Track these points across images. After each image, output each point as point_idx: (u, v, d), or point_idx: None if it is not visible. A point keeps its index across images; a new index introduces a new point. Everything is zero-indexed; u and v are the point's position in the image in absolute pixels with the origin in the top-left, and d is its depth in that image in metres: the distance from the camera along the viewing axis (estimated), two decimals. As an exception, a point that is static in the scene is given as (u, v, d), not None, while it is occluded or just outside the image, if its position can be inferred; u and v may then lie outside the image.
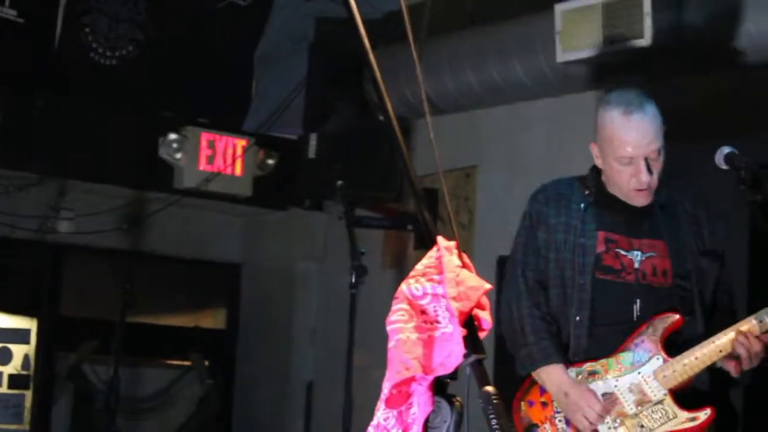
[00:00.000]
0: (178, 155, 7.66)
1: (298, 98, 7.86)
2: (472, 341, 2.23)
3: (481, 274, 2.48)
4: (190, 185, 7.75)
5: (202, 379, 8.69)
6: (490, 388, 2.21)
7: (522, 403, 4.01)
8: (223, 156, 7.83)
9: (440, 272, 2.25)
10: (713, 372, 3.90)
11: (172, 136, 7.65)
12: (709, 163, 3.73)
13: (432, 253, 2.30)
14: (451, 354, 2.21)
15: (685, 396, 3.85)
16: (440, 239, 2.31)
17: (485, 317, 2.29)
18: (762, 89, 5.78)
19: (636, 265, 3.91)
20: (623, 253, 3.93)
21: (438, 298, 2.25)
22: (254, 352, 9.00)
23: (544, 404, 3.96)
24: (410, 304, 2.28)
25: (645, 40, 5.57)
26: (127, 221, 8.22)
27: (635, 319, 3.89)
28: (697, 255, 3.98)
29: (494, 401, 2.19)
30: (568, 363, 3.92)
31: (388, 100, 2.50)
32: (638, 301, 3.89)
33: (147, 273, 8.60)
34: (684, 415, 3.78)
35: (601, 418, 3.82)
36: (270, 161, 8.09)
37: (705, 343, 3.77)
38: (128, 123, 7.69)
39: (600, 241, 3.94)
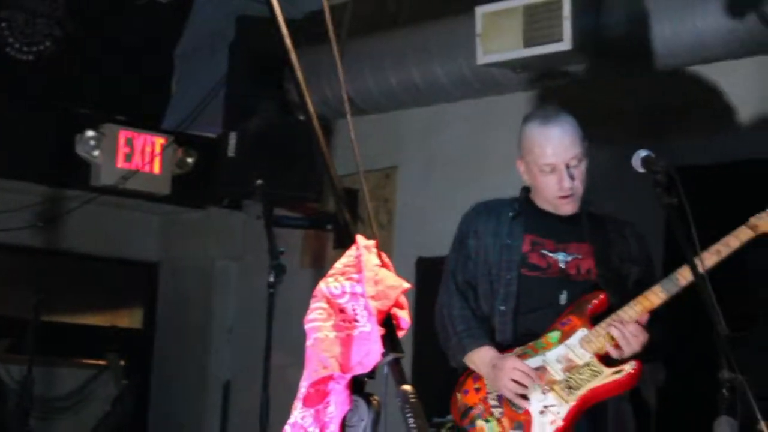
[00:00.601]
0: (96, 152, 7.56)
1: (218, 97, 7.81)
2: (390, 340, 2.23)
3: (400, 274, 2.49)
4: (107, 183, 7.66)
5: (118, 379, 8.57)
6: (407, 387, 2.21)
7: (458, 394, 4.12)
8: (141, 154, 7.74)
9: (359, 271, 2.25)
10: None
11: (90, 133, 7.54)
12: (627, 165, 3.80)
13: (351, 252, 2.30)
14: (369, 353, 2.20)
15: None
16: (360, 238, 2.31)
17: (404, 316, 2.29)
18: (678, 92, 5.87)
19: (561, 265, 4.08)
20: (548, 253, 4.10)
21: (356, 296, 2.25)
22: (171, 351, 8.93)
23: (477, 389, 4.08)
24: (329, 302, 2.27)
25: (565, 44, 5.62)
26: (43, 219, 8.10)
27: (562, 305, 4.04)
28: (620, 260, 4.15)
29: (412, 400, 2.19)
30: (499, 349, 4.05)
31: (309, 100, 2.49)
32: (565, 291, 4.06)
33: (63, 271, 8.49)
34: (609, 370, 3.91)
35: (529, 378, 3.92)
36: (189, 160, 8.03)
37: (626, 306, 3.92)
38: (45, 120, 7.59)
39: (526, 242, 4.11)
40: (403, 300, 2.31)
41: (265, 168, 6.75)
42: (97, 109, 7.74)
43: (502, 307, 4.06)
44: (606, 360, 3.93)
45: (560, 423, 3.90)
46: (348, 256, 2.29)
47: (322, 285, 2.29)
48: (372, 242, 2.30)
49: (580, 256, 4.09)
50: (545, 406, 3.93)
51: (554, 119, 4.07)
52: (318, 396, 2.25)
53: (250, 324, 7.98)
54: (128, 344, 8.91)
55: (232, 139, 7.15)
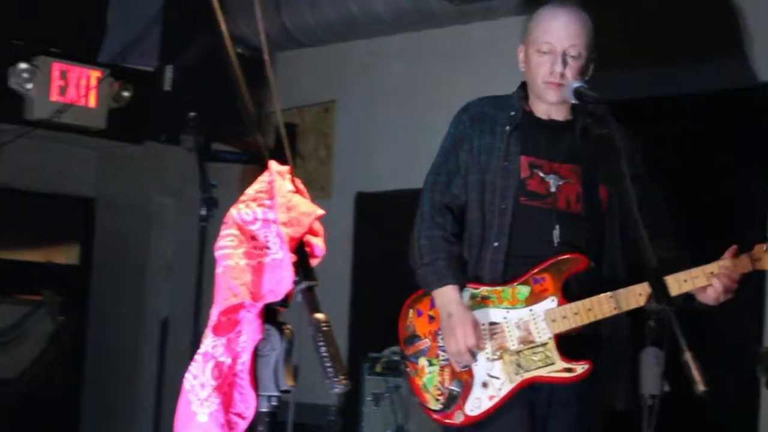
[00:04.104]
0: (29, 85, 7.40)
1: (154, 29, 7.66)
2: (303, 268, 2.19)
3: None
4: (41, 116, 7.51)
5: (55, 316, 8.50)
6: (320, 315, 2.17)
7: (411, 310, 3.95)
8: (76, 87, 7.60)
9: (271, 197, 2.20)
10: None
11: (23, 65, 7.38)
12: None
13: (264, 178, 2.24)
14: (280, 280, 2.16)
15: (588, 339, 3.83)
16: (273, 164, 2.25)
17: (318, 243, 2.24)
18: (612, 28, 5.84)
19: (552, 189, 3.85)
20: (542, 175, 3.86)
21: (269, 223, 2.19)
22: (109, 288, 8.87)
23: (432, 318, 3.88)
24: (240, 229, 2.22)
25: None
26: (-25, 153, 7.97)
27: (555, 246, 3.81)
28: (615, 178, 3.77)
29: (324, 329, 2.15)
30: (467, 282, 3.85)
31: (225, 27, 2.44)
32: (557, 227, 3.82)
33: (-3, 206, 8.39)
34: (562, 364, 3.75)
35: (471, 350, 3.74)
36: (125, 93, 7.88)
37: (603, 297, 3.74)
38: (-24, 52, 7.44)
39: (524, 166, 3.87)
40: (318, 227, 2.26)
41: (201, 102, 6.63)
42: (30, 41, 7.58)
43: (496, 243, 3.83)
44: (563, 346, 3.77)
45: (498, 399, 3.76)
46: (260, 182, 2.24)
47: (233, 211, 2.24)
48: (286, 168, 2.24)
49: (570, 180, 3.88)
50: (490, 376, 3.78)
51: (568, 8, 3.89)
52: (229, 324, 2.21)
53: (186, 260, 7.92)
54: (65, 280, 8.83)
55: (169, 72, 7.03)
